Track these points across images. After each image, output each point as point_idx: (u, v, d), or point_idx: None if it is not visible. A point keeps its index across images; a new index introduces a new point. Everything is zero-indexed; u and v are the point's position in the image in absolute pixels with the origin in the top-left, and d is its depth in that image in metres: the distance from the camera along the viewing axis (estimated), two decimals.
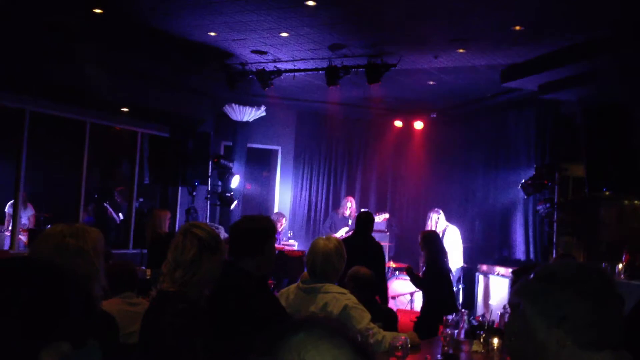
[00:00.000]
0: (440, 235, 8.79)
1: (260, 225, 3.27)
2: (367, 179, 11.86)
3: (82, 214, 9.43)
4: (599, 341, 1.62)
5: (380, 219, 10.07)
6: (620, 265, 6.57)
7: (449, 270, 6.88)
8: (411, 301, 8.67)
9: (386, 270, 7.25)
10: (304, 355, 1.15)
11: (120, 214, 10.64)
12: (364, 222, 6.98)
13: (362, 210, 8.28)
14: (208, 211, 10.71)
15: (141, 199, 10.62)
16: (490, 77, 8.29)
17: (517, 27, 6.41)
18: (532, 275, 1.72)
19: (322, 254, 3.70)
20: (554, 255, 8.17)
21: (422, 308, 6.80)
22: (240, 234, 3.25)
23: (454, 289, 8.82)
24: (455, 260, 8.82)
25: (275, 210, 11.15)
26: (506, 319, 3.64)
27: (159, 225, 7.04)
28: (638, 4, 5.59)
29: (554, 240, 8.33)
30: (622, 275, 6.45)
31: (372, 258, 6.33)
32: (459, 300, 8.89)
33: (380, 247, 7.00)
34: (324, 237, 3.86)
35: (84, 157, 9.36)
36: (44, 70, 7.74)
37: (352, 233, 7.28)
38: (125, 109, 9.55)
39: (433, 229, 8.84)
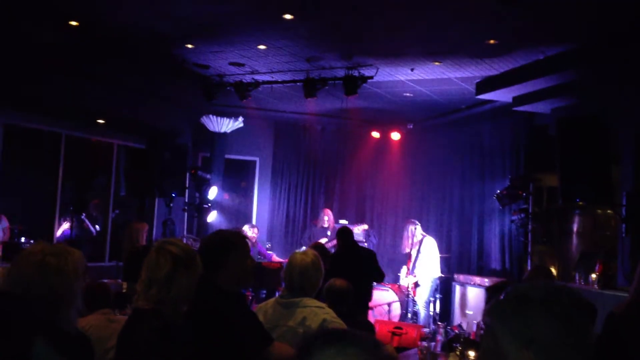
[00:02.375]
0: (418, 246, 8.88)
1: (220, 238, 3.22)
2: (345, 190, 11.90)
3: (57, 226, 9.33)
4: None
5: (358, 230, 10.11)
6: (594, 275, 6.65)
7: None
8: (389, 311, 8.71)
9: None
10: None
11: (96, 226, 10.53)
12: (346, 235, 7.39)
13: (341, 226, 8.37)
14: (186, 223, 10.66)
15: (117, 211, 10.53)
16: (466, 89, 8.41)
17: (492, 41, 6.50)
18: (502, 296, 1.75)
19: (299, 268, 3.71)
20: (528, 265, 8.27)
21: None
22: (204, 248, 3.20)
23: (431, 298, 8.90)
24: (433, 270, 8.89)
25: (254, 222, 11.14)
26: (481, 333, 3.68)
27: (136, 237, 6.99)
28: (608, 18, 5.71)
29: (529, 249, 8.42)
30: (595, 285, 6.53)
31: (367, 265, 7.09)
32: (436, 310, 8.96)
33: (371, 253, 7.42)
34: (301, 250, 3.87)
35: (59, 169, 9.27)
36: (19, 82, 7.68)
37: (340, 248, 7.45)
38: (101, 121, 9.49)
39: (410, 240, 8.91)
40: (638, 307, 2.93)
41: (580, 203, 7.29)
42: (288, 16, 6.17)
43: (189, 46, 7.43)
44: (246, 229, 9.77)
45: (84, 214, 10.33)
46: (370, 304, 8.80)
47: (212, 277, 3.09)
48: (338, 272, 5.12)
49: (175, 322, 2.73)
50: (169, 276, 2.68)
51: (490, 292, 3.29)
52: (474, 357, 3.66)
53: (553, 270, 7.34)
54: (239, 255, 3.17)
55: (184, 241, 9.10)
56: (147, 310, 2.68)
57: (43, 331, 2.30)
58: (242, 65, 8.11)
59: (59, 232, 9.21)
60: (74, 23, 6.75)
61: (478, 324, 4.45)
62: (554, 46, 6.59)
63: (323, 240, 9.72)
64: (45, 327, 2.34)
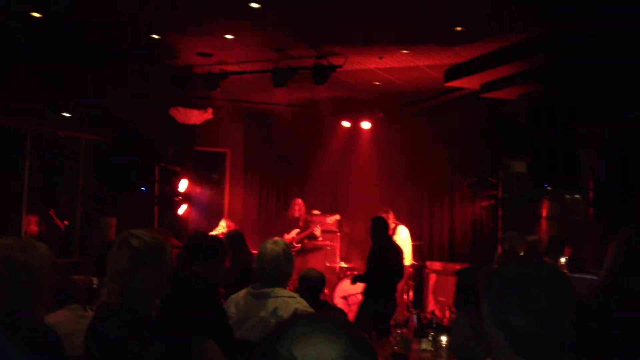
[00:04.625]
0: (391, 234, 8.91)
1: (213, 241, 3.71)
2: (317, 179, 11.88)
3: (25, 222, 9.16)
4: (536, 353, 1.65)
5: (331, 220, 10.12)
6: (563, 259, 6.76)
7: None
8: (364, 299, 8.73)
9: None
10: (293, 349, 1.15)
11: (65, 222, 10.38)
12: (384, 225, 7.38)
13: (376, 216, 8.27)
14: (156, 216, 10.54)
15: (86, 206, 10.38)
16: (434, 77, 8.43)
17: (459, 28, 6.52)
18: (495, 274, 1.74)
19: (271, 258, 3.69)
20: (499, 251, 8.35)
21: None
22: (195, 246, 3.62)
23: (405, 287, 8.96)
24: (405, 258, 8.94)
25: (225, 214, 11.07)
26: (453, 318, 3.70)
27: (105, 232, 6.91)
28: (575, 4, 5.76)
29: (499, 235, 8.51)
30: (564, 269, 6.64)
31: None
32: (409, 297, 9.02)
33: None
34: (272, 240, 3.84)
35: (26, 164, 9.10)
36: None
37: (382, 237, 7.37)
38: (67, 114, 9.32)
39: None
40: (606, 297, 2.95)
41: (549, 188, 7.39)
42: (255, 5, 6.10)
43: (155, 37, 7.33)
44: (223, 224, 9.71)
45: (52, 210, 10.17)
46: (344, 294, 8.86)
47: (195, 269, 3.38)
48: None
49: (146, 316, 2.69)
50: (129, 270, 2.62)
51: (460, 276, 3.31)
52: (446, 342, 3.68)
53: (521, 255, 7.42)
54: (224, 258, 3.60)
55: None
56: (114, 305, 2.64)
57: (8, 327, 2.25)
58: (210, 55, 8.03)
59: (26, 228, 9.04)
60: (36, 14, 6.61)
61: (449, 308, 4.49)
62: (521, 32, 6.64)
63: (295, 231, 9.72)
64: (11, 323, 2.29)
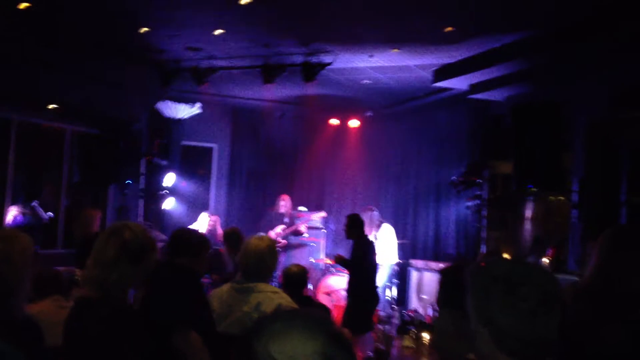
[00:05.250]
0: (375, 232, 8.94)
1: (198, 237, 3.71)
2: (304, 177, 11.88)
3: (8, 212, 9.08)
4: (520, 352, 1.66)
5: (316, 217, 10.13)
6: (547, 260, 6.80)
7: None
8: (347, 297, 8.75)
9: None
10: (270, 346, 1.16)
11: (49, 213, 10.30)
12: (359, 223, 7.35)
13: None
14: (141, 210, 10.49)
15: (70, 198, 10.31)
16: (423, 76, 8.45)
17: (449, 28, 6.54)
18: (484, 271, 1.75)
19: (255, 254, 3.70)
20: (483, 250, 8.41)
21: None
22: (181, 240, 3.60)
23: (388, 284, 8.99)
24: (390, 256, 8.97)
25: (210, 210, 11.05)
26: (435, 316, 3.72)
27: (89, 225, 6.86)
28: (563, 6, 5.80)
29: (484, 235, 8.56)
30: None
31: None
32: (393, 295, 9.04)
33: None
34: (257, 236, 3.85)
35: (10, 155, 9.02)
36: None
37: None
38: (53, 106, 9.24)
39: (367, 226, 8.95)
40: (590, 298, 2.94)
41: (533, 189, 7.44)
42: (245, 0, 6.09)
43: (144, 30, 7.28)
44: (204, 216, 9.70)
45: (36, 201, 10.09)
46: (328, 290, 8.87)
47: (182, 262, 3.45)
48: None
49: (124, 308, 2.68)
50: (112, 262, 2.62)
51: (444, 274, 3.33)
52: (428, 339, 3.71)
53: (506, 255, 7.47)
54: (206, 252, 3.63)
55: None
56: (93, 299, 2.63)
57: None
58: (199, 50, 7.99)
59: (9, 218, 8.96)
60: (23, 5, 6.54)
61: (432, 306, 4.51)
62: (510, 34, 6.67)
63: (280, 227, 9.71)
64: None
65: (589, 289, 2.83)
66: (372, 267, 7.11)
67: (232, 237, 6.52)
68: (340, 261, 7.38)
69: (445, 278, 3.34)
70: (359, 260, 7.00)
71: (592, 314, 2.72)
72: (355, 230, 7.22)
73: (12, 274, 2.35)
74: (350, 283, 7.19)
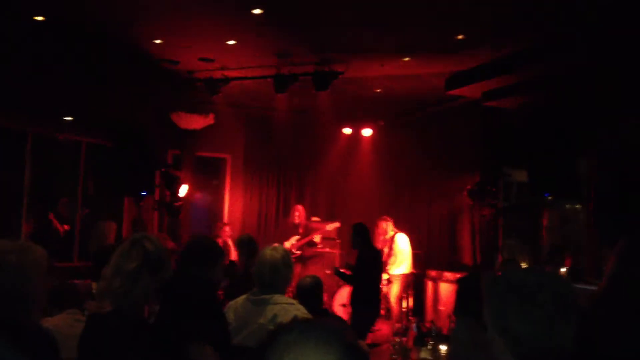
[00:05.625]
0: (390, 243, 8.90)
1: (211, 244, 3.70)
2: (317, 186, 11.88)
3: (25, 225, 9.14)
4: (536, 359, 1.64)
5: (331, 227, 10.10)
6: (564, 269, 6.74)
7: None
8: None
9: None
10: (285, 358, 1.14)
11: (64, 226, 10.36)
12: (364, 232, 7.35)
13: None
14: (156, 221, 10.53)
15: (86, 210, 10.36)
16: (435, 84, 8.43)
17: (460, 37, 6.53)
18: (501, 279, 1.73)
19: (270, 265, 3.68)
20: (499, 259, 8.34)
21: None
22: (196, 249, 3.59)
23: (404, 295, 8.93)
24: (405, 266, 8.92)
25: (225, 220, 11.06)
26: (452, 327, 3.68)
27: (104, 237, 6.90)
28: (575, 15, 5.77)
29: (499, 244, 8.50)
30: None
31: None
32: (408, 306, 8.98)
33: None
34: (271, 247, 3.83)
35: (26, 167, 9.09)
36: None
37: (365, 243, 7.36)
38: (68, 118, 9.32)
39: (382, 237, 8.92)
40: (607, 306, 2.92)
41: (549, 198, 7.39)
42: (257, 11, 6.12)
43: (158, 41, 7.34)
44: (219, 227, 9.70)
45: (52, 213, 10.16)
46: (343, 301, 8.83)
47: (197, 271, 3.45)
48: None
49: (138, 321, 2.68)
50: (135, 271, 2.63)
51: (460, 283, 3.30)
52: (446, 351, 3.67)
53: (523, 264, 7.41)
54: (222, 260, 3.60)
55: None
56: (107, 313, 2.63)
57: (4, 330, 2.23)
58: (212, 60, 8.04)
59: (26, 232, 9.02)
60: (39, 18, 6.62)
61: (449, 316, 4.47)
62: (522, 42, 6.64)
63: (294, 238, 9.70)
64: (6, 326, 2.27)
65: (606, 297, 2.80)
66: (375, 278, 7.07)
67: (244, 243, 6.51)
68: (338, 273, 7.39)
69: (463, 287, 3.31)
70: (362, 271, 6.96)
71: (610, 321, 2.69)
72: (359, 239, 7.21)
73: (25, 286, 2.35)
74: (352, 292, 7.17)
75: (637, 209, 6.44)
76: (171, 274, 2.87)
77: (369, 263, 7.03)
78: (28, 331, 2.38)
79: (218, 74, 8.44)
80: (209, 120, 10.71)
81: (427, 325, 4.60)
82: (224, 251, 3.65)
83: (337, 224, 10.27)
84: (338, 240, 10.32)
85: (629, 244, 2.82)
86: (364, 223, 7.53)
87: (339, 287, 9.20)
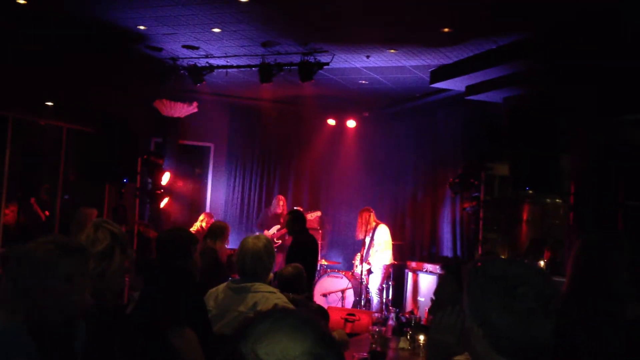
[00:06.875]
0: (371, 234, 8.94)
1: (186, 233, 3.69)
2: (300, 176, 11.87)
3: (5, 210, 9.05)
4: (515, 352, 1.65)
5: (312, 216, 10.12)
6: (542, 262, 6.81)
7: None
8: (342, 298, 8.75)
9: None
10: (257, 348, 1.14)
11: (46, 212, 10.27)
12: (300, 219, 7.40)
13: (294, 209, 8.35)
14: (137, 208, 10.46)
15: (67, 196, 10.27)
16: (420, 77, 8.46)
17: (446, 29, 6.55)
18: (481, 270, 1.74)
19: (252, 253, 3.69)
20: (479, 252, 8.41)
21: None
22: (170, 240, 3.57)
23: (384, 285, 8.98)
24: (386, 257, 8.96)
25: (207, 209, 11.03)
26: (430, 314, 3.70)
27: (85, 223, 6.83)
28: (560, 9, 5.81)
29: (480, 237, 8.57)
30: None
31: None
32: (388, 297, 9.04)
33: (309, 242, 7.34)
34: (254, 235, 3.84)
35: (6, 152, 8.98)
36: None
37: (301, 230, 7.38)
38: (50, 104, 9.22)
39: (363, 227, 8.95)
40: (567, 304, 2.94)
41: (530, 192, 7.44)
42: None
43: (141, 27, 7.27)
44: (202, 217, 9.67)
45: (33, 199, 10.06)
46: (324, 291, 8.86)
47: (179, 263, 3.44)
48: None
49: (114, 308, 2.69)
50: (106, 253, 2.65)
51: (447, 268, 3.25)
52: (424, 340, 3.70)
53: (502, 257, 7.48)
54: (195, 249, 3.58)
55: (136, 227, 8.95)
56: None
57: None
58: (197, 48, 7.98)
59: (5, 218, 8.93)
60: (21, 1, 6.53)
61: (429, 310, 4.50)
62: (507, 36, 6.68)
63: (275, 228, 9.71)
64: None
65: (572, 292, 2.84)
66: (310, 264, 7.04)
67: (213, 229, 6.58)
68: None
69: (449, 272, 3.30)
70: (297, 257, 6.93)
71: (578, 315, 2.72)
72: (295, 226, 7.26)
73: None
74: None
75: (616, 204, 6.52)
76: (151, 260, 2.88)
77: (304, 249, 7.07)
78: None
79: (202, 62, 8.39)
80: (193, 108, 10.65)
81: (407, 315, 4.64)
82: (194, 239, 3.63)
83: (318, 213, 10.29)
84: (319, 230, 10.34)
85: (586, 242, 2.87)
86: (300, 210, 7.62)
87: (319, 277, 9.23)
